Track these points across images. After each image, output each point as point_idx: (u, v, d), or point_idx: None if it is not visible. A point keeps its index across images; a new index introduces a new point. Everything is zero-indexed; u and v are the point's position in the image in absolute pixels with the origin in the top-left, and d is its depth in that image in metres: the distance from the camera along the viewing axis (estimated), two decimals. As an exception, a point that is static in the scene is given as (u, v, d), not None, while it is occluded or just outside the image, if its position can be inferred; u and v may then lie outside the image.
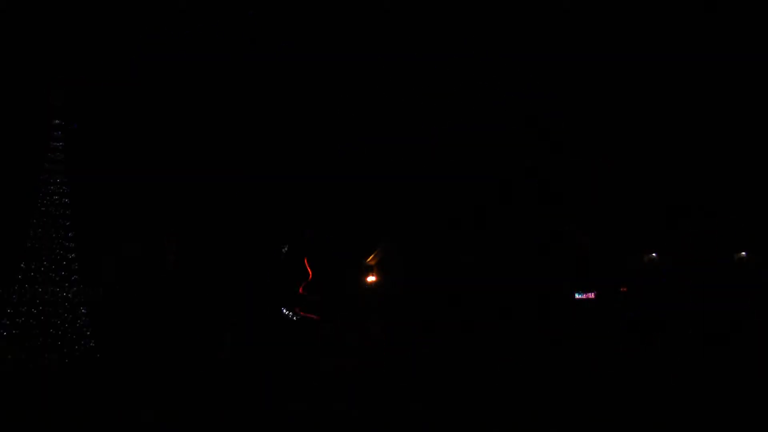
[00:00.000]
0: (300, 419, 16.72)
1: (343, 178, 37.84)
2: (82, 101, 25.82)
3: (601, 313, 37.49)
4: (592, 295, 39.61)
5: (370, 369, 23.66)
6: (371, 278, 38.79)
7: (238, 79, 27.31)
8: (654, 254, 41.78)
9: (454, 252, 39.37)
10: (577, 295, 39.65)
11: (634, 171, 39.96)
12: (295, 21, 34.53)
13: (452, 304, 34.79)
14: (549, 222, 40.46)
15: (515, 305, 35.26)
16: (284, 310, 26.84)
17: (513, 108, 39.46)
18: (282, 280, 27.03)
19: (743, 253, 39.96)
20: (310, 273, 26.80)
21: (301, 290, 27.28)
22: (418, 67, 38.70)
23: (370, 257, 39.37)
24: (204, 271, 32.73)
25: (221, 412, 17.49)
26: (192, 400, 18.95)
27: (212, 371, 22.86)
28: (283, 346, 26.72)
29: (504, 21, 39.31)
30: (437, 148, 39.69)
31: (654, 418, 17.03)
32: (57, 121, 25.16)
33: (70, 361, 23.04)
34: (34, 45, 33.20)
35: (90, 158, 26.12)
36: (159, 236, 28.25)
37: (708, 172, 38.17)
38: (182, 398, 19.30)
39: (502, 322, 32.38)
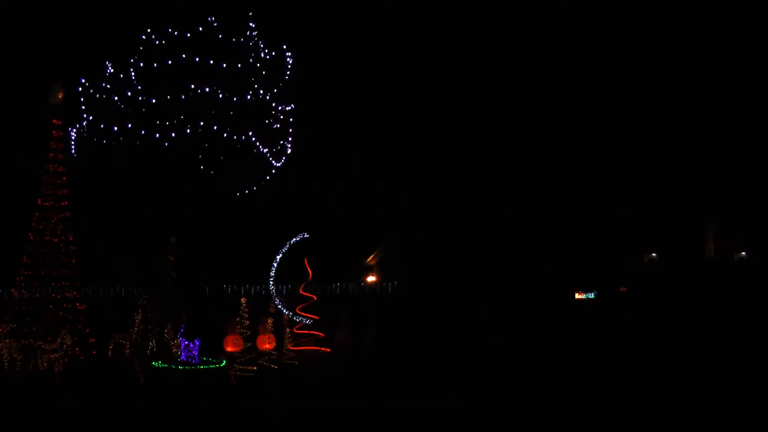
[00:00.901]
0: (300, 419, 16.73)
1: (343, 178, 37.89)
2: (82, 101, 25.76)
3: (601, 313, 37.54)
4: (592, 295, 39.71)
5: (370, 369, 23.66)
6: (371, 278, 38.79)
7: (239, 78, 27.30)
8: (654, 254, 41.83)
9: (454, 252, 39.41)
10: (577, 295, 39.76)
11: (633, 171, 40.01)
12: (295, 21, 34.59)
13: (452, 304, 34.79)
14: (549, 222, 40.51)
15: (515, 305, 35.28)
16: (284, 311, 26.83)
17: (513, 108, 39.50)
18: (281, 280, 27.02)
19: (743, 253, 39.99)
20: (310, 273, 26.79)
21: (301, 290, 27.27)
22: (418, 67, 38.75)
23: (370, 257, 39.38)
24: (203, 271, 32.80)
25: (220, 412, 17.49)
26: (191, 400, 18.95)
27: (211, 371, 22.85)
28: (280, 346, 26.70)
29: (504, 21, 39.35)
30: (437, 148, 39.74)
31: (654, 418, 17.05)
32: (57, 121, 25.14)
33: (70, 362, 23.00)
34: (34, 45, 33.24)
35: (90, 158, 26.12)
36: (159, 237, 28.24)
37: (708, 172, 38.21)
38: (181, 397, 19.31)
39: (502, 322, 32.37)
